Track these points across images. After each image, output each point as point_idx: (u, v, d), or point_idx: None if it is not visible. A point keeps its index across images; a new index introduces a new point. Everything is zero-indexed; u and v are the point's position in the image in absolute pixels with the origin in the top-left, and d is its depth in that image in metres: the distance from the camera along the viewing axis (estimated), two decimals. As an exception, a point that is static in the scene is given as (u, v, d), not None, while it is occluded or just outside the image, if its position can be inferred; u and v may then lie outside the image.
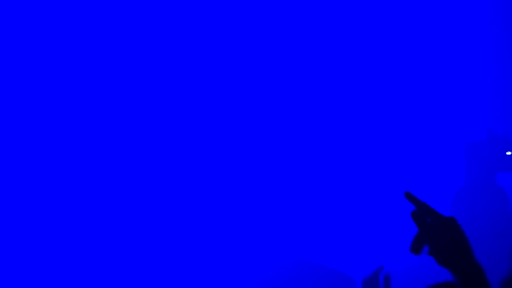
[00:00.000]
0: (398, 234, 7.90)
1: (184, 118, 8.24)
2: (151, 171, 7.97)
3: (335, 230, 7.81)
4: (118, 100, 8.24)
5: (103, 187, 7.95)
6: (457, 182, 6.59)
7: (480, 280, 1.49)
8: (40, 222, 7.99)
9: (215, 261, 6.97)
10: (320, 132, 8.23)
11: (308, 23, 8.51)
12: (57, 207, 8.01)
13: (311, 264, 6.04)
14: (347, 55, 8.50)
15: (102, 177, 8.03)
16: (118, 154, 8.08)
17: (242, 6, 8.32)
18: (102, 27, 8.04)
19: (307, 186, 7.84)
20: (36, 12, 7.78)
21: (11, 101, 7.91)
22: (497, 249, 6.22)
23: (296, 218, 6.96)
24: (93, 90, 8.14)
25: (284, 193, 7.57)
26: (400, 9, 8.56)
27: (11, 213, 7.94)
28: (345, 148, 8.13)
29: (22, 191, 8.06)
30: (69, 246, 7.66)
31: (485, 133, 6.55)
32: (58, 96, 8.05)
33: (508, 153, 6.29)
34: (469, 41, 8.25)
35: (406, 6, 8.51)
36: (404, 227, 7.92)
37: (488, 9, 8.15)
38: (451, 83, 8.38)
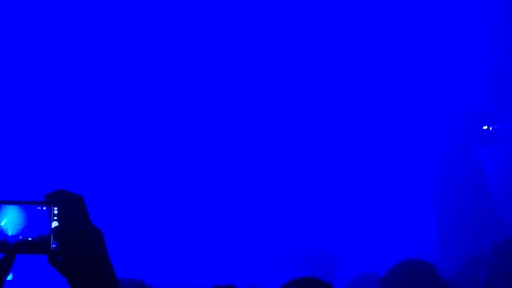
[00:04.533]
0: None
1: (182, 118, 8.26)
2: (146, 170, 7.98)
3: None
4: (117, 100, 8.26)
5: (101, 186, 7.96)
6: (434, 156, 6.57)
7: None
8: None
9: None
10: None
11: (307, 23, 8.52)
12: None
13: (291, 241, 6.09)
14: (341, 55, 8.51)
15: (101, 177, 8.04)
16: (115, 154, 8.10)
17: (241, 7, 8.34)
18: (102, 27, 8.06)
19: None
20: (36, 12, 7.81)
21: (11, 101, 7.94)
22: (474, 223, 6.20)
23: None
24: (92, 90, 8.16)
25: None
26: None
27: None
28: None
29: (23, 190, 8.07)
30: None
31: (463, 108, 6.56)
32: (58, 96, 8.07)
33: (485, 127, 6.30)
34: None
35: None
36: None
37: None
38: (429, 58, 8.31)
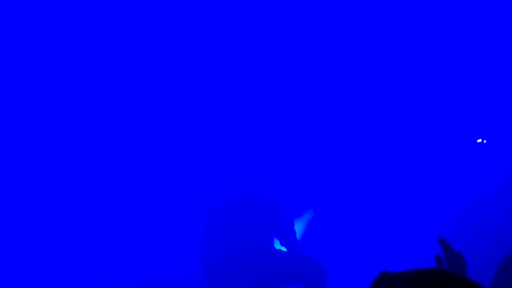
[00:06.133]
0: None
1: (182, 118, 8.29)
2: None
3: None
4: (118, 100, 8.29)
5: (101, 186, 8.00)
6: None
7: None
8: (41, 222, 8.06)
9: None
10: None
11: (308, 23, 8.52)
12: (57, 207, 8.08)
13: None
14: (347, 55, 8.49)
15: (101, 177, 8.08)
16: (116, 154, 8.13)
17: (241, 7, 8.33)
18: (102, 27, 8.07)
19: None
20: (36, 12, 7.82)
21: (12, 101, 7.97)
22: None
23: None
24: (93, 90, 8.19)
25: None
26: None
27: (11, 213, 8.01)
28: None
29: (24, 191, 8.12)
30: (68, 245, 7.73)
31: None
32: (58, 96, 8.10)
33: (479, 140, 6.55)
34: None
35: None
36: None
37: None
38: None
